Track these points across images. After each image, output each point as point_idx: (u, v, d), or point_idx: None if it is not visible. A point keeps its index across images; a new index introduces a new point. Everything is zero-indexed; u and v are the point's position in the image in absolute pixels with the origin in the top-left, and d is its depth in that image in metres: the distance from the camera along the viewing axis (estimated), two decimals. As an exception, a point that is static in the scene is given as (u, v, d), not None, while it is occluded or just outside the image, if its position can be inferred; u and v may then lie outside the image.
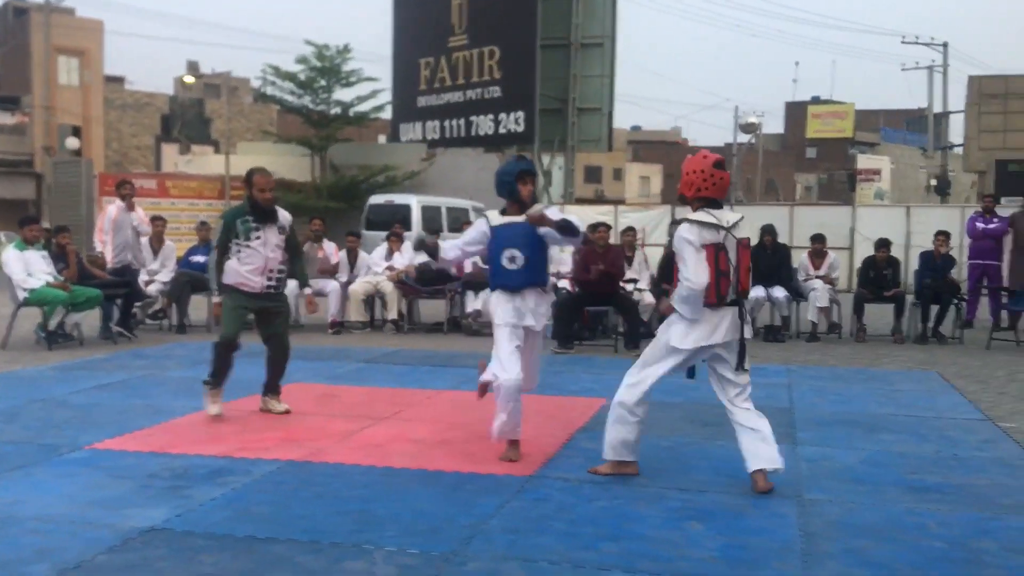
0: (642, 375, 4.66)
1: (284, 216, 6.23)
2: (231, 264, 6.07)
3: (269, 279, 6.13)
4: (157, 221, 11.47)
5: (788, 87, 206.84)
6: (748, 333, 4.60)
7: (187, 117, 44.69)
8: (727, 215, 4.57)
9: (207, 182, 24.08)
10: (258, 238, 6.04)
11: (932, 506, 4.33)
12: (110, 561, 3.55)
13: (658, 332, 4.75)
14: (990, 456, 5.30)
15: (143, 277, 10.98)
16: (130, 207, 10.71)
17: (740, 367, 4.56)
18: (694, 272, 4.40)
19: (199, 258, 11.47)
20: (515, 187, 5.12)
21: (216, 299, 6.10)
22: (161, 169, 36.84)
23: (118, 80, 46.72)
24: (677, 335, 4.55)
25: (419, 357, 9.19)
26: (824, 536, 3.90)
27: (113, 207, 10.76)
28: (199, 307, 11.67)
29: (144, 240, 11.04)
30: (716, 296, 4.45)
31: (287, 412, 6.26)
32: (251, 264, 6.05)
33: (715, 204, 4.56)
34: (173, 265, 11.43)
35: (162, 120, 44.55)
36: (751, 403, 4.61)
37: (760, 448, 4.49)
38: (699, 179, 4.54)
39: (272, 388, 6.40)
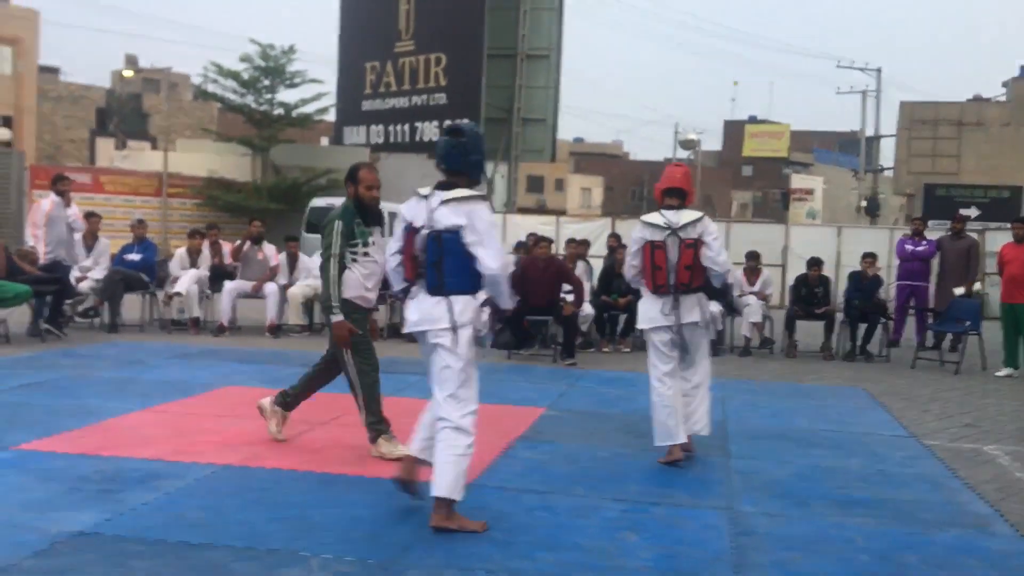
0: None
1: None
2: (351, 276, 5.21)
3: (378, 291, 5.47)
4: (92, 217, 11.23)
5: (727, 106, 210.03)
6: (695, 317, 5.32)
7: (124, 112, 43.70)
8: (680, 216, 5.22)
9: (144, 179, 23.60)
10: (373, 243, 5.27)
11: (859, 520, 4.45)
12: (37, 566, 3.46)
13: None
14: (914, 472, 5.47)
15: (75, 274, 10.73)
16: (67, 202, 10.47)
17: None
18: (627, 263, 5.52)
19: (133, 256, 11.26)
20: None
21: (338, 318, 5.14)
22: (96, 164, 35.89)
23: (53, 71, 45.50)
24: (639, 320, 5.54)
25: (358, 363, 9.10)
26: (754, 548, 3.99)
27: (47, 201, 10.50)
28: (132, 306, 11.43)
29: (77, 236, 10.79)
30: (653, 285, 5.28)
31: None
32: (372, 275, 5.30)
33: (680, 195, 5.27)
34: (107, 263, 11.19)
35: (98, 114, 43.47)
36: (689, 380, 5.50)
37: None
38: (661, 182, 5.31)
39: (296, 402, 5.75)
